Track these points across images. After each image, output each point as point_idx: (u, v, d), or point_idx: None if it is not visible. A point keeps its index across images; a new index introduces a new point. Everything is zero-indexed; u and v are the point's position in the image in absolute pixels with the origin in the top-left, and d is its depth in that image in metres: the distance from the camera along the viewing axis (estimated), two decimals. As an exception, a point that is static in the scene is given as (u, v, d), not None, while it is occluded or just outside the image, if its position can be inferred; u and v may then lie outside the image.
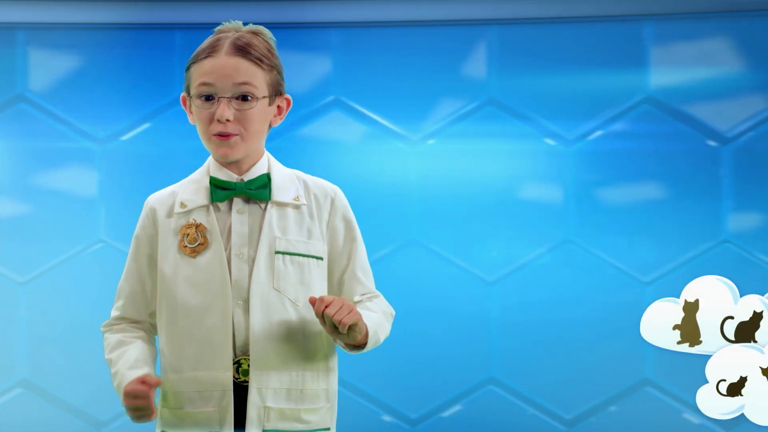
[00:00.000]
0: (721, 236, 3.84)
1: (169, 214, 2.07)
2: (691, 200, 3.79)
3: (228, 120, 1.97)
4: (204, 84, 1.96)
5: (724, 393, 3.72)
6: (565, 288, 3.80)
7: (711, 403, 3.74)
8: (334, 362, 2.11)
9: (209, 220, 2.01)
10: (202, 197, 2.04)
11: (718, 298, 3.78)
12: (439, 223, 3.69)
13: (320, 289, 2.05)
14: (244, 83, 1.98)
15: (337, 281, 2.12)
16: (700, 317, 3.76)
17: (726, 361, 3.73)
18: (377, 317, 2.09)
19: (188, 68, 2.05)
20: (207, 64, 1.96)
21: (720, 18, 3.67)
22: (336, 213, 2.10)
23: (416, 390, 3.82)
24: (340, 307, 1.91)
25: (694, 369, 3.65)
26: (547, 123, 3.75)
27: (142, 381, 1.95)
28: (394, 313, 2.19)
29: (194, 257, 1.97)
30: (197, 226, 1.98)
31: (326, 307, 1.88)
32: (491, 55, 3.76)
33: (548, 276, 3.80)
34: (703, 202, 3.79)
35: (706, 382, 3.68)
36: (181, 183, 2.12)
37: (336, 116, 3.77)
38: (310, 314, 1.99)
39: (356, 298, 2.11)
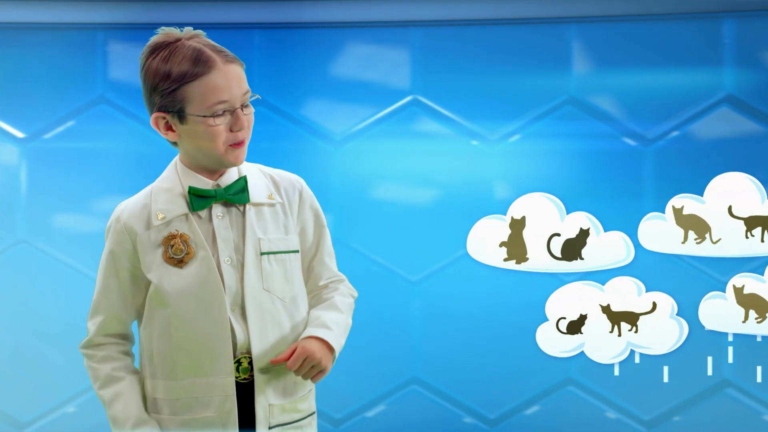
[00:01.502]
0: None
1: (148, 226, 2.07)
2: (611, 200, 3.87)
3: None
4: (221, 102, 1.94)
5: (564, 331, 3.82)
6: (486, 287, 3.87)
7: (551, 341, 3.83)
8: None
9: (192, 229, 2.02)
10: (179, 206, 2.04)
11: (544, 215, 3.84)
12: (362, 223, 3.78)
13: (299, 281, 2.13)
14: (247, 91, 2.02)
15: (306, 267, 2.21)
16: (527, 234, 3.82)
17: (566, 298, 3.83)
18: (343, 322, 2.22)
19: (176, 86, 2.00)
20: (212, 80, 1.94)
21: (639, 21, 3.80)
22: (304, 205, 2.17)
23: (339, 391, 3.82)
24: (311, 368, 2.06)
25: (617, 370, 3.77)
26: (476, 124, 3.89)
27: None
28: (356, 294, 2.31)
29: (182, 268, 2.00)
30: (181, 236, 2.02)
31: (298, 369, 2.04)
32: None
33: (470, 275, 3.87)
34: (622, 201, 3.86)
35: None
36: (148, 193, 2.10)
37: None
38: (292, 308, 2.11)
39: (322, 282, 2.22)
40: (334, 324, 2.13)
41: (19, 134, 3.76)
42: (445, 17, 3.83)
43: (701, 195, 3.75)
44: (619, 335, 3.79)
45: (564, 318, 3.82)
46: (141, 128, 3.77)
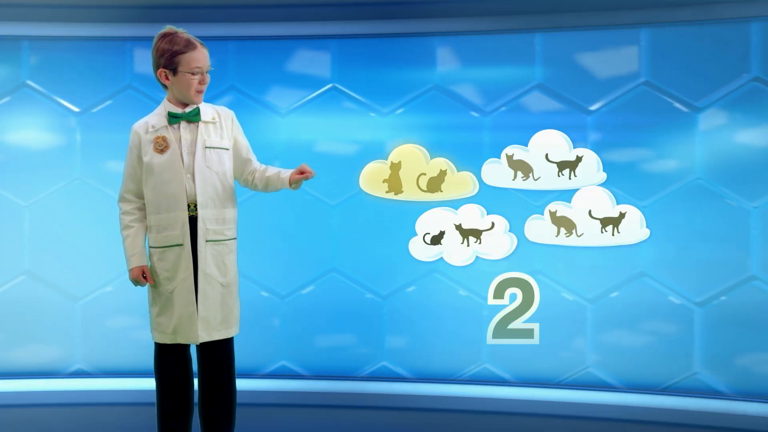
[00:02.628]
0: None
1: (146, 132, 3.56)
2: (461, 149, 4.58)
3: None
4: (198, 67, 3.49)
5: (428, 243, 4.57)
6: (373, 212, 4.63)
7: (419, 251, 4.57)
8: (236, 202, 3.64)
9: (168, 134, 3.40)
10: (163, 122, 3.47)
11: (414, 159, 4.55)
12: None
13: (229, 166, 3.64)
14: (210, 65, 3.59)
15: (244, 160, 3.71)
16: (402, 173, 4.55)
17: (430, 219, 4.55)
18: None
19: (174, 56, 3.45)
20: (196, 54, 3.46)
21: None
22: (235, 126, 3.72)
23: (282, 276, 4.69)
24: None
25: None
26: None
27: (143, 274, 3.51)
28: None
29: (162, 154, 3.30)
30: (162, 137, 3.32)
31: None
32: None
33: (363, 203, 4.63)
34: (470, 150, 4.57)
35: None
36: (149, 115, 3.58)
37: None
38: (223, 178, 3.57)
39: (256, 165, 3.70)
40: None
41: (75, 108, 4.78)
42: (358, 32, 4.66)
43: (526, 145, 4.49)
44: (468, 246, 4.55)
45: (428, 233, 4.57)
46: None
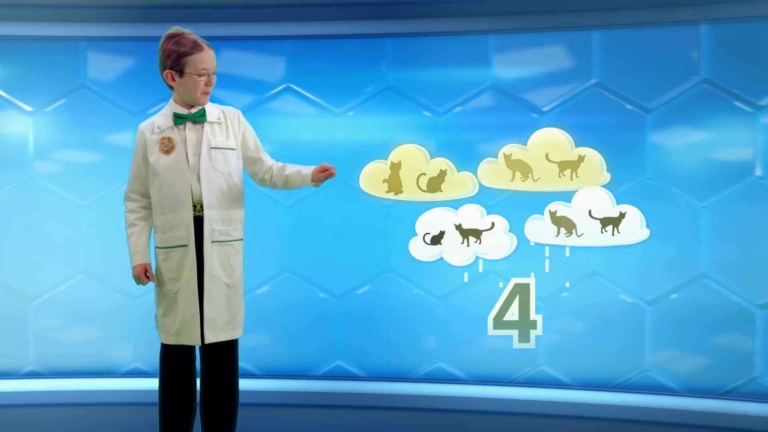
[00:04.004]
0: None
1: (152, 132, 3.54)
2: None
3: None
4: (204, 68, 3.45)
5: (428, 243, 4.56)
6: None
7: (419, 251, 4.57)
8: (243, 203, 3.62)
9: (174, 134, 3.39)
10: (169, 122, 3.46)
11: (414, 159, 4.55)
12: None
13: (236, 165, 3.62)
14: (216, 67, 3.58)
15: (256, 159, 3.68)
16: (402, 174, 4.55)
17: (429, 219, 4.55)
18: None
19: (181, 57, 3.42)
20: (202, 56, 3.42)
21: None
22: (242, 125, 3.71)
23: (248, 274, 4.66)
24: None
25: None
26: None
27: (146, 272, 3.51)
28: None
29: (168, 154, 3.28)
30: (168, 138, 3.31)
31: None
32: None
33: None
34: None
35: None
36: (156, 115, 3.67)
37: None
38: (228, 178, 3.55)
39: (269, 163, 3.68)
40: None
41: (28, 108, 4.76)
42: (312, 33, 4.64)
43: (525, 145, 4.48)
44: (468, 246, 4.55)
45: (428, 233, 4.57)
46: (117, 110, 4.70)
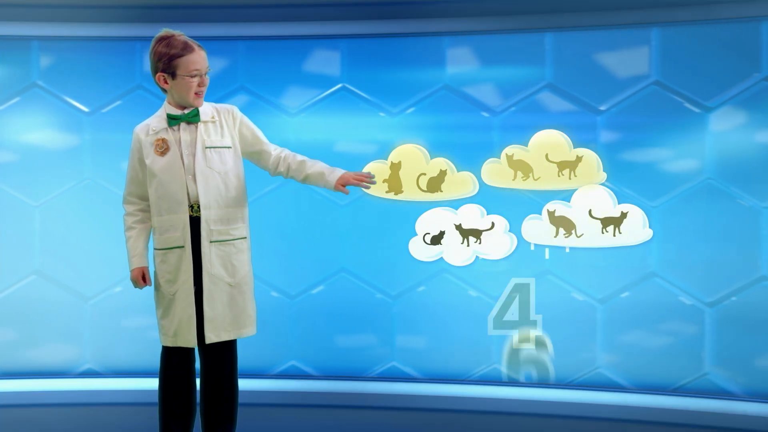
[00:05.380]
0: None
1: (146, 134, 3.53)
2: (462, 149, 4.58)
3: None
4: (196, 69, 3.40)
5: (428, 243, 4.57)
6: (374, 212, 4.62)
7: (419, 251, 4.58)
8: (245, 201, 3.59)
9: (168, 136, 3.46)
10: (163, 124, 3.50)
11: (414, 159, 4.55)
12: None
13: (234, 164, 3.57)
14: (208, 67, 3.56)
15: (260, 151, 3.64)
16: (402, 174, 4.55)
17: (430, 219, 4.55)
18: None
19: (172, 59, 3.44)
20: (194, 57, 3.39)
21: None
22: (237, 120, 3.67)
23: (294, 275, 4.70)
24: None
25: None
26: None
27: (143, 276, 3.49)
28: None
29: (163, 156, 3.29)
30: (163, 140, 3.32)
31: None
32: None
33: (368, 203, 4.61)
34: (470, 150, 4.59)
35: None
36: (150, 118, 3.66)
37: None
38: (225, 177, 3.52)
39: (276, 152, 3.62)
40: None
41: (85, 109, 4.79)
42: (368, 31, 4.65)
43: (526, 146, 4.50)
44: (468, 246, 4.55)
45: (428, 233, 4.58)
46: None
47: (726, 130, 4.37)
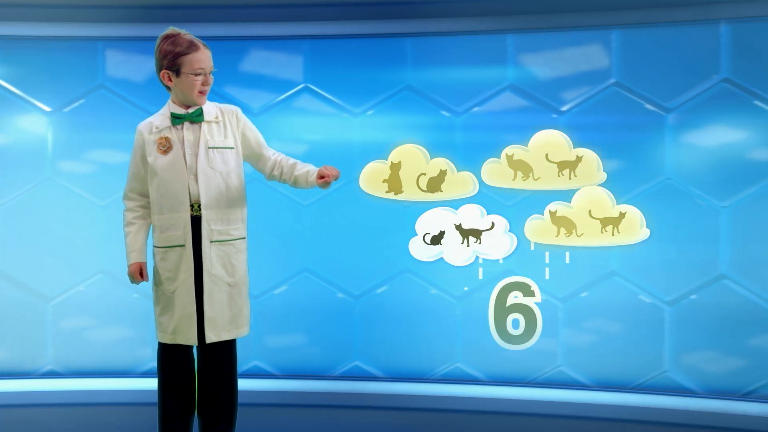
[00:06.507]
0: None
1: (150, 132, 3.53)
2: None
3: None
4: (201, 68, 3.39)
5: (428, 243, 4.57)
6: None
7: (418, 250, 4.58)
8: (245, 201, 3.61)
9: (172, 134, 3.46)
10: (167, 122, 3.49)
11: (414, 159, 4.55)
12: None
13: (235, 165, 3.57)
14: (212, 66, 3.54)
15: (260, 154, 3.67)
16: (402, 173, 4.55)
17: (430, 219, 4.55)
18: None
19: (177, 57, 3.48)
20: (198, 55, 3.37)
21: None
22: (240, 122, 3.69)
23: (260, 275, 4.63)
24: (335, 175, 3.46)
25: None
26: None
27: (140, 271, 3.47)
28: None
29: (166, 154, 3.28)
30: (166, 138, 3.31)
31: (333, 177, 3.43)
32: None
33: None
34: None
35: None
36: (155, 115, 3.66)
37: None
38: (227, 177, 3.54)
39: (274, 156, 3.65)
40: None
41: (47, 108, 4.77)
42: (329, 32, 4.65)
43: (526, 146, 4.50)
44: (468, 246, 4.56)
45: (428, 233, 4.58)
46: (133, 108, 4.71)
47: (685, 130, 4.41)
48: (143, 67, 4.72)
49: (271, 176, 3.70)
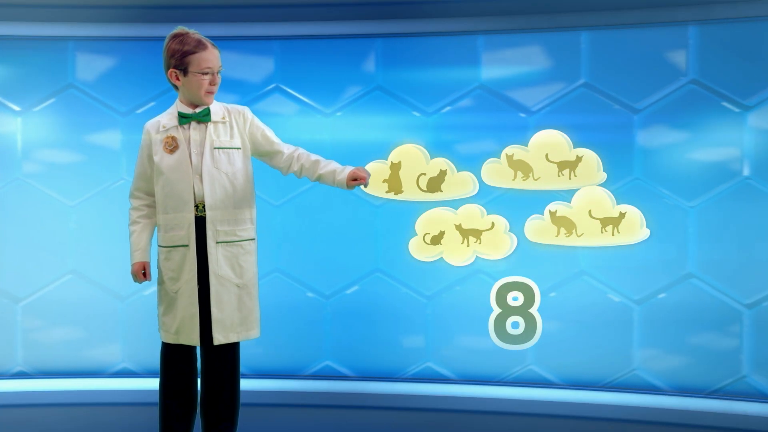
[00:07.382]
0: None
1: (157, 131, 3.52)
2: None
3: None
4: (208, 67, 3.36)
5: (428, 243, 4.57)
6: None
7: (418, 251, 4.58)
8: (253, 202, 3.58)
9: (178, 134, 3.46)
10: (173, 122, 3.48)
11: (414, 159, 4.55)
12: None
13: (241, 165, 3.55)
14: (221, 65, 3.48)
15: (274, 151, 3.61)
16: (402, 174, 4.55)
17: (430, 218, 4.55)
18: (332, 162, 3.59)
19: (185, 56, 3.46)
20: (206, 55, 3.36)
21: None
22: (247, 121, 3.66)
23: None
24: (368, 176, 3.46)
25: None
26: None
27: (143, 270, 3.48)
28: None
29: (172, 154, 3.27)
30: (172, 137, 3.31)
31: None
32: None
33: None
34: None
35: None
36: (162, 114, 3.65)
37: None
38: (233, 178, 3.52)
39: (288, 151, 3.60)
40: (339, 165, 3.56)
41: (16, 108, 4.75)
42: (300, 33, 4.64)
43: (526, 146, 4.50)
44: (468, 246, 4.55)
45: (428, 233, 4.58)
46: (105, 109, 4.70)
47: (653, 131, 4.44)
48: (113, 67, 4.72)
49: (289, 172, 3.66)
